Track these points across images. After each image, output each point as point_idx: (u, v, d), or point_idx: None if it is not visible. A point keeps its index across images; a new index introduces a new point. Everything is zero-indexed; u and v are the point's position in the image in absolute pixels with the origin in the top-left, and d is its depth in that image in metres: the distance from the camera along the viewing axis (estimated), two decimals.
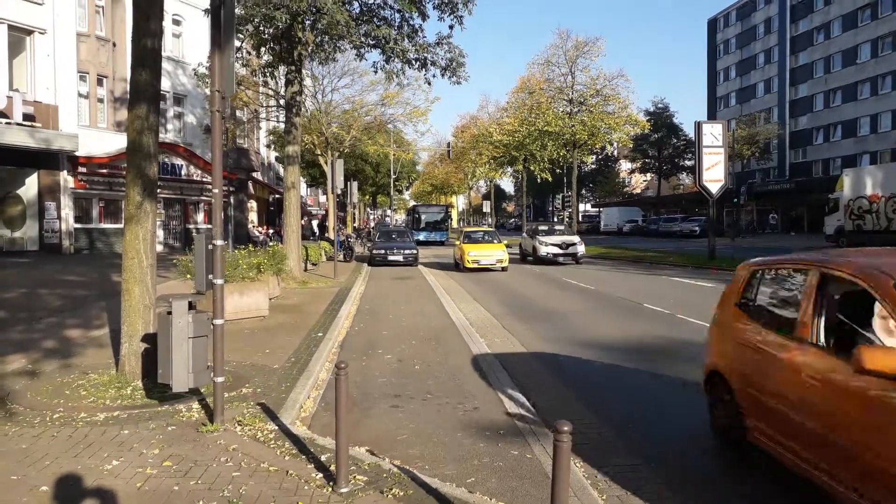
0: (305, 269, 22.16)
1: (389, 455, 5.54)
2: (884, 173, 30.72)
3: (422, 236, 47.35)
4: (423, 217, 51.64)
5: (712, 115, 74.54)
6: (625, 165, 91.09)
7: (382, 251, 27.68)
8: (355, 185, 34.63)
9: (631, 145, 64.06)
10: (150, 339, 7.17)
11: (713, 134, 26.51)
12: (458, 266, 25.48)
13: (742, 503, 4.77)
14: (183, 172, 31.81)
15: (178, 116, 32.55)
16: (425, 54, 18.77)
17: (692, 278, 20.68)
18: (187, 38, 31.30)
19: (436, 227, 50.79)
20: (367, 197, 72.34)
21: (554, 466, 3.44)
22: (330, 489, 4.68)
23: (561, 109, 41.96)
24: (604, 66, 65.74)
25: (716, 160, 26.24)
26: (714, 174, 26.27)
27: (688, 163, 71.09)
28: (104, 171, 27.37)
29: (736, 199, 52.61)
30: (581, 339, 10.85)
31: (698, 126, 26.75)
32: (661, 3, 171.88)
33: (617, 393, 7.73)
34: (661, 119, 69.40)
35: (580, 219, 64.53)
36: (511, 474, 5.20)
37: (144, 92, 7.51)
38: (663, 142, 71.96)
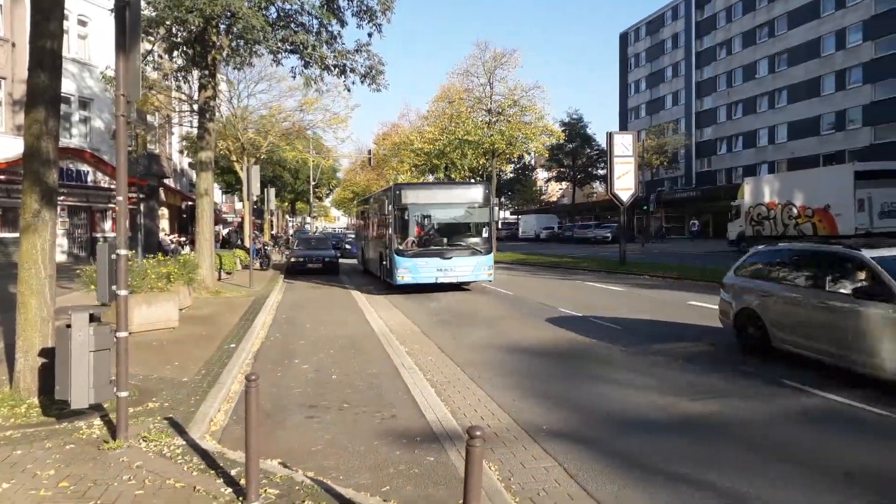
0: (219, 279, 21.56)
1: (303, 467, 5.46)
2: (780, 182, 32.61)
3: (419, 271, 18.65)
4: (412, 217, 19.21)
5: (624, 126, 77.26)
6: (542, 174, 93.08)
7: (301, 259, 27.19)
8: (273, 191, 33.89)
9: (547, 155, 65.57)
10: (48, 353, 6.81)
11: (624, 144, 27.47)
12: None
13: None
14: (89, 179, 30.36)
15: (85, 121, 31.05)
16: (344, 61, 18.72)
17: (604, 282, 21.32)
18: (94, 40, 29.93)
19: (458, 243, 19.18)
20: (286, 204, 71.01)
21: (466, 471, 3.48)
22: None
23: (480, 119, 42.40)
24: (521, 78, 66.95)
25: (626, 169, 27.19)
26: (625, 183, 27.20)
27: (600, 172, 73.33)
28: (2, 177, 25.77)
29: (646, 207, 54.60)
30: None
31: (610, 136, 27.65)
32: (576, 18, 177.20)
33: None
34: (575, 129, 71.31)
35: (499, 226, 65.47)
36: (427, 480, 5.22)
37: (43, 95, 7.15)
38: (577, 151, 73.93)
